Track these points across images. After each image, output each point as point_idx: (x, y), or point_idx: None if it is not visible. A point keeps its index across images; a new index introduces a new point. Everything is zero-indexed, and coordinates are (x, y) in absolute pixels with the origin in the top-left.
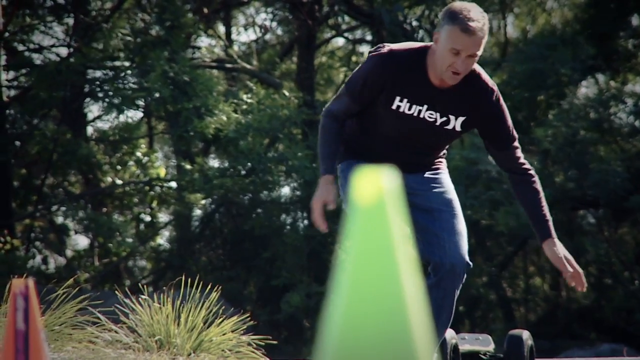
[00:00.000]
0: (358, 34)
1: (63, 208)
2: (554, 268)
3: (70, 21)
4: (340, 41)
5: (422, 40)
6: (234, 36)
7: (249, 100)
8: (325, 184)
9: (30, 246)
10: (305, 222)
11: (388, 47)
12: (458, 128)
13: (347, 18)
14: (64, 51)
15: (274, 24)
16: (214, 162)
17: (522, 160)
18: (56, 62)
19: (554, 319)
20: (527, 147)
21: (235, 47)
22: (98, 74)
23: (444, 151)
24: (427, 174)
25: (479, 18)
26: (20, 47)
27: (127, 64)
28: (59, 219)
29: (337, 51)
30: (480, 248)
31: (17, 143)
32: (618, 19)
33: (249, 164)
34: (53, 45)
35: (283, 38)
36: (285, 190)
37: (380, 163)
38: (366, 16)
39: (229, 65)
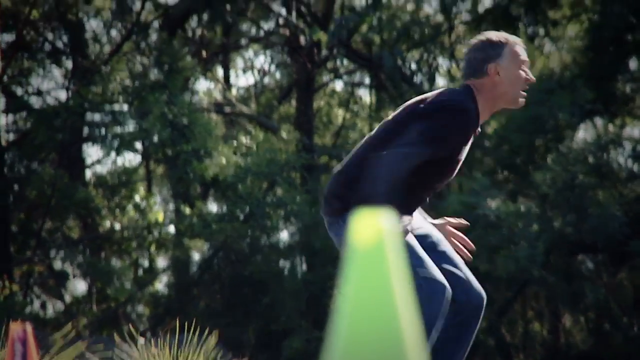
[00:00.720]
0: (357, 77)
1: (61, 253)
2: (552, 312)
3: (69, 64)
4: (339, 84)
5: (420, 84)
6: (232, 79)
7: (247, 144)
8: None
9: (29, 291)
10: (304, 266)
11: (462, 99)
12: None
13: (345, 61)
14: (62, 94)
15: (273, 67)
16: (212, 207)
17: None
18: (55, 105)
19: None
20: (526, 192)
21: (234, 91)
22: (97, 117)
23: None
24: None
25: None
26: (19, 91)
27: (125, 107)
28: (58, 264)
29: (336, 94)
30: None
31: (16, 187)
32: (616, 62)
33: (248, 208)
34: (52, 89)
35: (282, 81)
36: (284, 235)
37: (404, 209)
38: (365, 59)
39: (227, 109)
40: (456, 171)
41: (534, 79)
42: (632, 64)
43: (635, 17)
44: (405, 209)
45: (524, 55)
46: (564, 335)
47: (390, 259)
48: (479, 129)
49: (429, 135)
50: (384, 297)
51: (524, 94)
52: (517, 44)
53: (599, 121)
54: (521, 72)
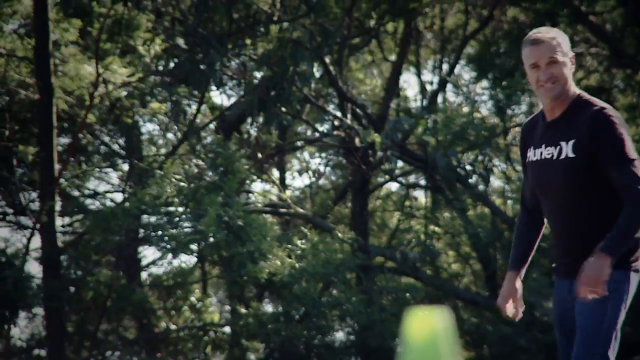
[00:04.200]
0: (412, 178)
1: (117, 353)
2: None
3: (125, 167)
4: (394, 186)
5: (476, 185)
6: (288, 181)
7: (302, 246)
8: (508, 282)
9: None
10: None
11: None
12: (571, 154)
13: (400, 163)
14: (118, 196)
15: (328, 169)
16: (268, 307)
17: (630, 184)
18: (111, 207)
19: None
20: None
21: (289, 192)
22: (153, 219)
23: (606, 214)
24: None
25: (542, 31)
26: (75, 193)
27: (181, 209)
28: None
29: (391, 195)
30: None
31: (72, 289)
32: None
33: (303, 309)
34: (107, 191)
35: (337, 183)
36: (340, 335)
37: (561, 254)
38: (420, 161)
39: (282, 210)
40: (544, 167)
41: (544, 80)
42: None
43: None
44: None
45: (532, 59)
46: None
47: (443, 357)
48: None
49: None
50: None
51: (545, 91)
52: (530, 44)
53: None
54: (532, 73)
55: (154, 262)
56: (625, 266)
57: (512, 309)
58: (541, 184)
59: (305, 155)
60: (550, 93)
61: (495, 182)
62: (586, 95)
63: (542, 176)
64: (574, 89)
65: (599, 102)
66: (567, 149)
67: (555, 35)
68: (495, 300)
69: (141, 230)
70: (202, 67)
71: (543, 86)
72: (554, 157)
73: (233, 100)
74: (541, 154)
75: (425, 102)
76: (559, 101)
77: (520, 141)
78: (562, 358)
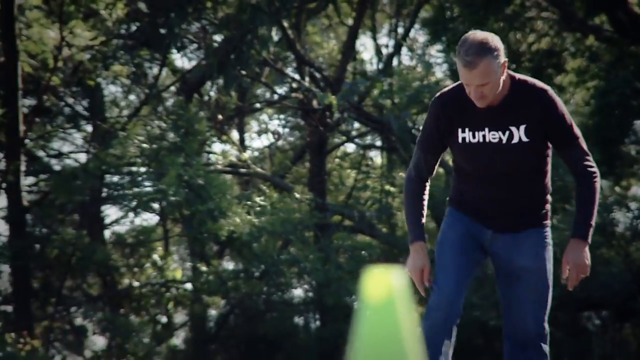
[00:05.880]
0: (368, 139)
1: (81, 309)
2: None
3: (89, 128)
4: (350, 146)
5: None
6: (247, 142)
7: (262, 203)
8: (416, 252)
9: (50, 347)
10: (317, 323)
11: (439, 92)
12: (524, 138)
13: (357, 124)
14: (82, 157)
15: (287, 130)
16: (228, 265)
17: (585, 160)
18: (75, 167)
19: None
20: None
21: (249, 153)
22: (115, 178)
23: (544, 190)
24: (525, 234)
25: (474, 51)
26: (40, 153)
27: (143, 169)
28: (78, 320)
29: (348, 156)
30: (488, 348)
31: (37, 247)
32: (622, 125)
33: (262, 266)
34: (72, 152)
35: (295, 144)
36: (298, 292)
37: (481, 209)
38: (375, 122)
39: (242, 170)
40: (489, 150)
41: (475, 98)
42: (638, 127)
43: None
44: (467, 205)
45: (464, 79)
46: None
47: (400, 315)
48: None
49: (417, 138)
50: (394, 353)
51: (477, 103)
52: (462, 66)
53: (604, 182)
54: (465, 85)
55: (117, 221)
56: (546, 225)
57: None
58: (483, 164)
59: (264, 117)
60: (480, 104)
61: None
62: (519, 77)
63: (485, 158)
64: (507, 74)
65: (537, 83)
66: (520, 134)
67: (488, 58)
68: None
69: (104, 190)
70: (163, 30)
71: (474, 99)
72: (504, 142)
73: (194, 63)
74: (484, 137)
75: (380, 66)
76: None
77: (442, 115)
78: (448, 268)
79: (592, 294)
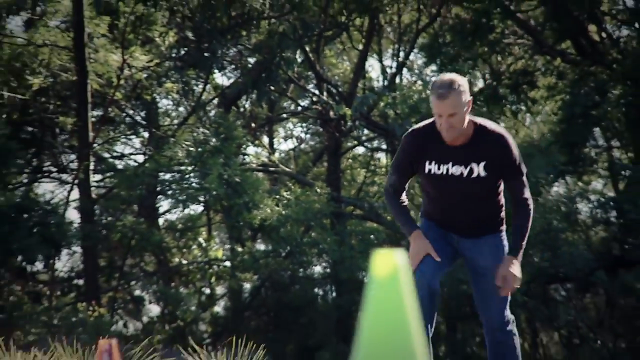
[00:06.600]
0: (375, 143)
1: (140, 283)
2: (532, 330)
3: (145, 134)
4: (361, 149)
5: None
6: (275, 145)
7: (288, 197)
8: (418, 238)
9: (114, 314)
10: (334, 294)
11: (412, 127)
12: (482, 173)
13: (366, 131)
14: (140, 158)
15: (308, 135)
16: (260, 246)
17: (524, 192)
18: (134, 166)
19: None
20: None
21: (277, 154)
22: (167, 176)
23: (498, 206)
24: (484, 239)
25: (446, 86)
26: (106, 155)
27: (190, 168)
28: (137, 292)
29: (358, 157)
30: (474, 315)
31: (103, 232)
32: (584, 132)
33: (288, 247)
34: (131, 154)
35: (315, 147)
36: (318, 269)
37: (445, 223)
38: (382, 129)
39: (271, 169)
40: (451, 180)
41: (445, 128)
42: (597, 133)
43: (599, 96)
44: (436, 219)
45: (436, 110)
46: (542, 349)
47: (403, 288)
48: (445, 144)
49: (392, 162)
50: (397, 319)
51: (446, 133)
52: (435, 98)
53: (569, 179)
54: (436, 117)
55: (168, 211)
56: (502, 230)
57: (436, 258)
58: (447, 190)
59: (290, 125)
60: (449, 136)
61: None
62: (481, 122)
63: (448, 186)
64: (470, 120)
65: (496, 129)
66: (479, 169)
67: (457, 92)
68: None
69: (158, 185)
70: (206, 54)
71: (444, 129)
72: (464, 175)
73: (232, 80)
74: (447, 170)
75: (386, 82)
76: (458, 136)
77: (413, 149)
78: (427, 258)
79: (558, 270)
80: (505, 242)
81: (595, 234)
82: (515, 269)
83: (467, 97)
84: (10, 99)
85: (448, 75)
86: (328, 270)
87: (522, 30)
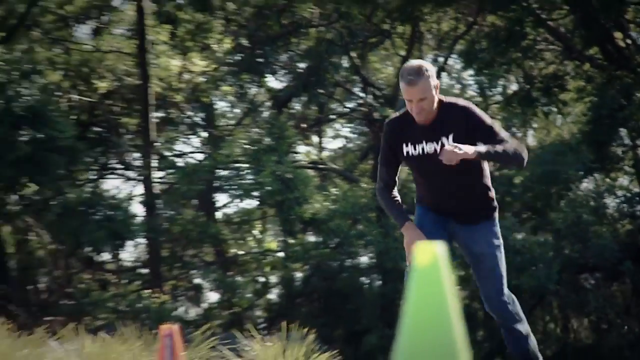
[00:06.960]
0: None
1: (199, 272)
2: (564, 316)
3: (204, 134)
4: None
5: None
6: (324, 144)
7: (336, 192)
8: (410, 229)
9: (175, 300)
10: (379, 282)
11: (388, 119)
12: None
13: None
14: (199, 156)
15: (355, 135)
16: (310, 238)
17: (506, 139)
18: (194, 164)
19: (564, 356)
20: (544, 227)
21: (326, 153)
22: (224, 173)
23: (483, 185)
24: (478, 226)
25: (414, 72)
26: (167, 153)
27: (245, 165)
28: (196, 280)
29: None
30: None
31: (165, 224)
32: (610, 132)
33: (337, 239)
34: (191, 152)
35: (361, 146)
36: (364, 259)
37: (440, 207)
38: None
39: (321, 166)
40: (429, 159)
41: (416, 112)
42: (622, 132)
43: (625, 99)
44: (429, 203)
45: (406, 95)
46: (573, 333)
47: (443, 277)
48: (418, 125)
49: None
50: (438, 305)
51: (417, 117)
52: (405, 84)
53: (597, 175)
54: (407, 103)
55: (226, 205)
56: (495, 218)
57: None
58: (427, 169)
59: (338, 125)
60: (420, 118)
61: None
62: (447, 99)
63: (427, 164)
64: (438, 99)
65: (459, 101)
66: (449, 143)
67: (425, 78)
68: None
69: (216, 181)
70: (260, 60)
71: (415, 113)
72: (437, 150)
73: (284, 84)
74: (423, 149)
75: None
76: (428, 116)
77: (390, 135)
78: (430, 234)
79: (588, 260)
80: (498, 230)
81: (622, 227)
82: (461, 148)
83: (434, 81)
84: (81, 102)
85: (416, 62)
86: (374, 260)
87: (552, 37)
